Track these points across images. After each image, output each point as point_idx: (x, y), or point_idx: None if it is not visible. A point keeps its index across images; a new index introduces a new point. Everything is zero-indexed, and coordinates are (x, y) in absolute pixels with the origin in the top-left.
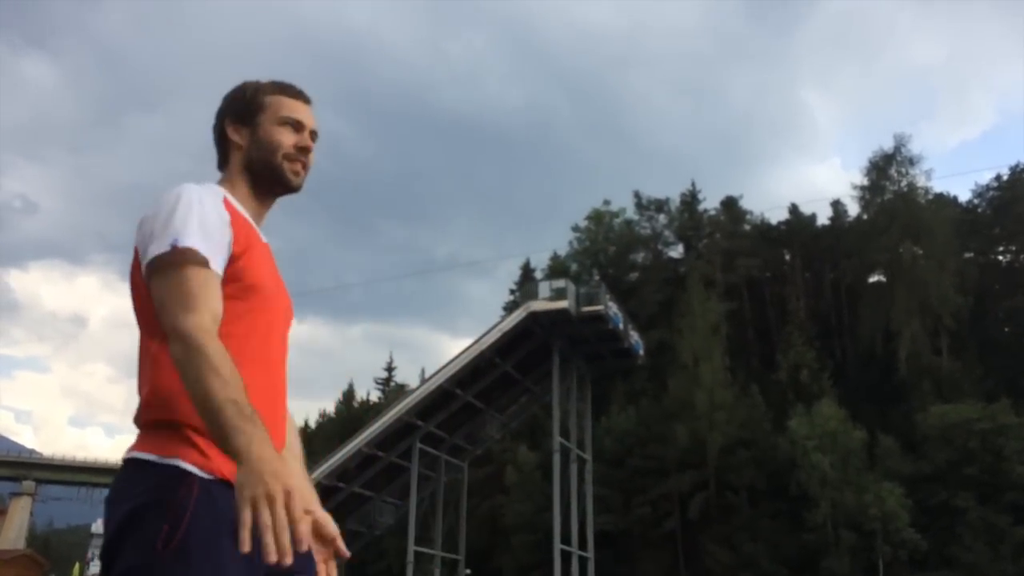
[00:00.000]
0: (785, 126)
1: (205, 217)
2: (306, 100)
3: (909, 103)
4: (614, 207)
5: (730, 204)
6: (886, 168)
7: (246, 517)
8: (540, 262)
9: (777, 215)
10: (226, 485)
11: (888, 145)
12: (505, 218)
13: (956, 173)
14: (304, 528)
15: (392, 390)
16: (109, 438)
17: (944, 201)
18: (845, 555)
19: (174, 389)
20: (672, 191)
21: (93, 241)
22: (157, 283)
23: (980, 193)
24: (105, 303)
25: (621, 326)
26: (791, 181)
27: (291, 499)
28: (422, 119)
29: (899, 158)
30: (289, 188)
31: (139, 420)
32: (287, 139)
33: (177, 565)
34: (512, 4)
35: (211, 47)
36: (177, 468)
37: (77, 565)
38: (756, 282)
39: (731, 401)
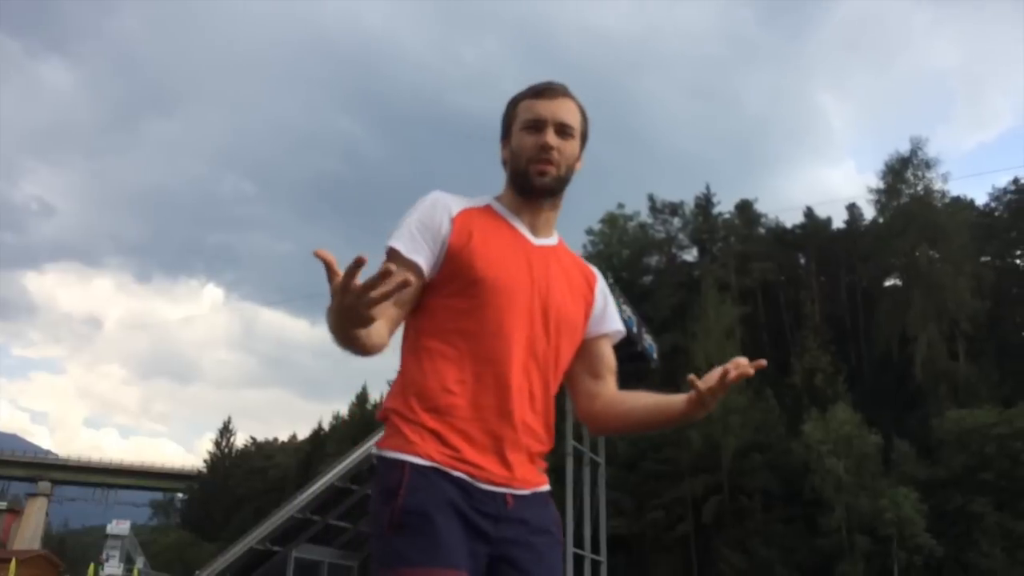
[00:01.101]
0: (799, 129)
1: (419, 220)
2: (552, 94)
3: (925, 105)
4: (628, 210)
5: (744, 207)
6: (902, 171)
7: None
8: None
9: (792, 218)
10: (436, 470)
11: (904, 148)
12: None
13: (973, 175)
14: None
15: None
16: (124, 439)
17: (961, 204)
18: (860, 561)
19: (394, 387)
20: (687, 194)
21: (108, 244)
22: None
23: (997, 196)
24: (120, 305)
25: (635, 329)
26: (806, 184)
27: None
28: (436, 122)
29: (915, 161)
30: (535, 189)
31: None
32: (528, 142)
33: (398, 540)
34: (526, 7)
35: (228, 51)
36: (393, 459)
37: (92, 566)
38: (771, 286)
39: (745, 405)
